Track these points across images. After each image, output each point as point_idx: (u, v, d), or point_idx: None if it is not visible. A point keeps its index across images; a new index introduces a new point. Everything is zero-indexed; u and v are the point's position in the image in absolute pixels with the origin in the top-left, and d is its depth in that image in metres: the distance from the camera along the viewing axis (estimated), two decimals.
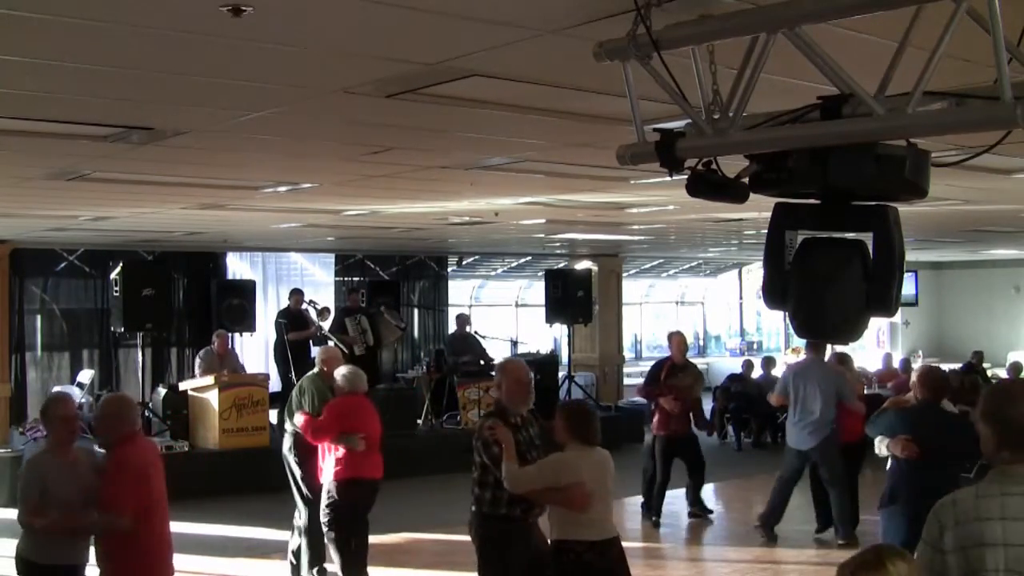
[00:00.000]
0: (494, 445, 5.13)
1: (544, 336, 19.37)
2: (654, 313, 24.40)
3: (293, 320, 13.10)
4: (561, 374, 16.08)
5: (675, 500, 11.23)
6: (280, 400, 13.07)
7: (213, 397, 11.59)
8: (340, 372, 7.39)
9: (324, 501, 7.16)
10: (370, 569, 7.34)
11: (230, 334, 13.73)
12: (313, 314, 13.36)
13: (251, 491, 10.26)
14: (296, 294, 13.57)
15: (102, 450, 5.38)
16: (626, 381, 19.78)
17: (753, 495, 12.07)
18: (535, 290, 19.94)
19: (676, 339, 10.10)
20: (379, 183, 7.68)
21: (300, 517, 7.75)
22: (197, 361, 13.12)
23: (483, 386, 13.96)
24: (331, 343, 14.19)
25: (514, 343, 16.61)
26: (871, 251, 3.24)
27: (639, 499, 10.24)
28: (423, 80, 4.22)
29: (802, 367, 9.39)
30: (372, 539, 8.97)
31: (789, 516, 9.11)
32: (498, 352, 16.31)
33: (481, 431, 5.30)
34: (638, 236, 14.86)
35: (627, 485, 12.12)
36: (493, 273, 21.09)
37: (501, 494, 5.18)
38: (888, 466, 6.45)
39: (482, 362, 14.74)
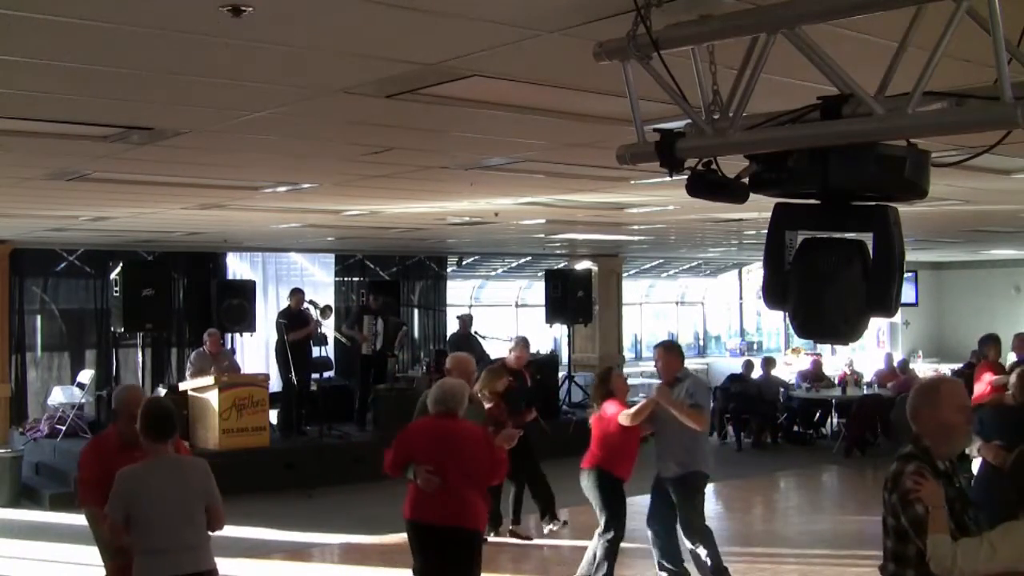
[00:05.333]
0: (918, 503, 3.53)
1: (544, 336, 19.37)
2: (654, 313, 24.40)
3: (293, 320, 13.05)
4: (561, 374, 16.07)
5: None
6: (281, 400, 13.09)
7: (213, 397, 11.58)
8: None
9: None
10: (370, 569, 7.24)
11: (227, 333, 13.70)
12: (315, 313, 13.34)
13: (251, 491, 10.24)
14: (296, 294, 13.46)
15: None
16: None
17: (753, 495, 12.09)
18: (535, 290, 19.94)
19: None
20: (379, 183, 7.69)
21: None
22: (187, 364, 13.06)
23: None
24: (338, 339, 14.20)
25: None
26: (871, 251, 3.23)
27: (644, 498, 10.16)
28: (423, 80, 4.22)
29: None
30: (371, 539, 8.94)
31: (789, 516, 9.10)
32: (498, 352, 16.28)
33: (901, 479, 3.61)
34: (638, 236, 14.86)
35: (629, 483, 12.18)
36: (493, 273, 21.08)
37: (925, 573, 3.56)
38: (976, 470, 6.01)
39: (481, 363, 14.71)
